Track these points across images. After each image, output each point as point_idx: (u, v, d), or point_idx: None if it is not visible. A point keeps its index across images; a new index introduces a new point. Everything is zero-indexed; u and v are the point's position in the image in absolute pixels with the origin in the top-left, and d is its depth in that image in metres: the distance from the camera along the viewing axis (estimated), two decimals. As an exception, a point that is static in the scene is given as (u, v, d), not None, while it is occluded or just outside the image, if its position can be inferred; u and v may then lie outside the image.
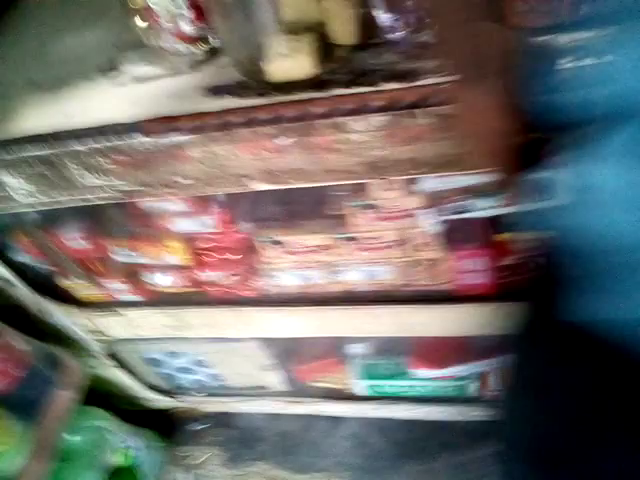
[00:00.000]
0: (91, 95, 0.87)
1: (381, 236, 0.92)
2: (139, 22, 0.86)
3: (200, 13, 0.80)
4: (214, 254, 1.04)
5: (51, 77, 0.93)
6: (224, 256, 1.04)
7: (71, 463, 1.31)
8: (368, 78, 0.72)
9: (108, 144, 0.84)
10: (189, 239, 1.03)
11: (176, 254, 1.04)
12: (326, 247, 0.97)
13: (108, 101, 0.85)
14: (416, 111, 0.71)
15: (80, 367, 1.31)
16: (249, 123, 0.76)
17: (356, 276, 1.02)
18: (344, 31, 0.75)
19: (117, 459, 1.45)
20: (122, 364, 1.47)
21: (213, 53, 0.85)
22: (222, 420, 1.74)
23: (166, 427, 1.75)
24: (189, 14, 0.80)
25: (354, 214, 0.90)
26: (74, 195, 0.92)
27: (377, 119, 0.73)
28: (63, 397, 1.26)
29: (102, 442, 1.40)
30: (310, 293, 1.11)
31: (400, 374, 1.39)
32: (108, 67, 0.91)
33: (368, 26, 0.75)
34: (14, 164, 0.90)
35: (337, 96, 0.73)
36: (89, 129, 0.83)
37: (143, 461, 1.54)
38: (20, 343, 1.16)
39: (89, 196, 0.91)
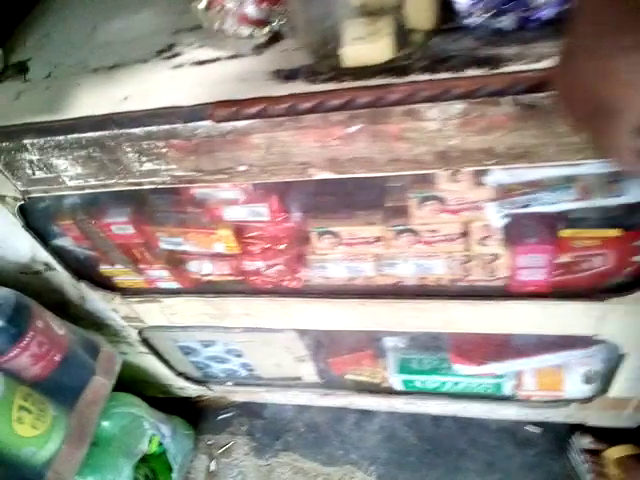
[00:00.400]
0: (149, 78, 0.85)
1: (442, 229, 0.89)
2: (199, 4, 0.83)
3: (269, -7, 0.77)
4: (263, 243, 1.02)
5: (105, 60, 0.91)
6: (272, 246, 1.02)
7: (103, 449, 1.30)
8: (448, 64, 0.69)
9: (167, 128, 0.81)
10: (238, 227, 1.01)
11: (224, 242, 1.02)
12: (382, 239, 0.95)
13: (167, 84, 0.82)
14: (498, 99, 0.68)
15: (117, 354, 1.29)
16: (319, 109, 0.73)
17: (408, 269, 1.00)
18: (420, 15, 0.72)
19: (147, 446, 1.44)
20: (155, 351, 1.46)
21: (275, 36, 0.83)
22: (250, 409, 1.73)
23: (193, 415, 1.74)
24: (257, -5, 0.77)
25: (416, 205, 0.87)
26: (126, 179, 0.89)
27: (455, 107, 0.70)
28: (99, 383, 1.25)
29: (134, 429, 1.39)
30: (356, 285, 1.09)
31: (438, 369, 1.37)
32: (165, 50, 0.88)
33: (444, 10, 0.72)
34: (66, 146, 0.88)
35: (414, 82, 0.70)
36: (148, 112, 0.80)
37: (171, 448, 1.54)
38: (59, 327, 1.14)
39: (142, 181, 0.89)
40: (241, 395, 1.66)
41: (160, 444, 1.50)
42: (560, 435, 1.48)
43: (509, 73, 0.67)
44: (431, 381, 1.40)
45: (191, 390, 1.64)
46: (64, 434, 1.14)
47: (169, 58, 0.87)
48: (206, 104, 0.77)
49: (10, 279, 1.17)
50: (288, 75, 0.75)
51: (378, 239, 0.95)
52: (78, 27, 1.05)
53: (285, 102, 0.74)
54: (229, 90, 0.77)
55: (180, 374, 1.58)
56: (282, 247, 1.02)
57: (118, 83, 0.86)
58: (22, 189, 0.97)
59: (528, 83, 0.66)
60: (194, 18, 0.89)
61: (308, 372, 1.48)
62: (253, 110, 0.75)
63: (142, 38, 0.94)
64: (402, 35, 0.71)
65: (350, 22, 0.71)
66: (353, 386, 1.52)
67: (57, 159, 0.91)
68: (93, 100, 0.85)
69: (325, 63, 0.74)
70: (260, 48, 0.82)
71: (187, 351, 1.48)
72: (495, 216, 0.85)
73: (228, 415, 1.74)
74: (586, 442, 1.37)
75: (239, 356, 1.47)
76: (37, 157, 0.91)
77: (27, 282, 1.19)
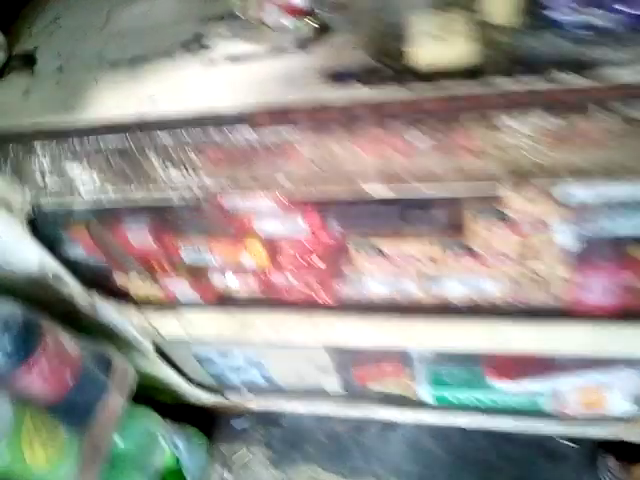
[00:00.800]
0: (176, 75, 0.74)
1: (504, 249, 0.80)
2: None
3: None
4: (298, 258, 0.92)
5: (124, 51, 0.80)
6: (309, 261, 0.93)
7: (120, 470, 1.22)
8: (536, 67, 0.59)
9: (200, 134, 0.71)
10: (272, 241, 0.91)
11: (254, 256, 0.92)
12: (433, 257, 0.85)
13: (199, 82, 0.72)
14: (596, 110, 0.58)
15: (131, 369, 1.20)
16: (382, 118, 0.63)
17: (458, 289, 0.91)
18: (503, 8, 0.61)
19: (164, 461, 1.36)
20: (171, 361, 1.37)
21: (322, 28, 0.72)
22: (267, 417, 1.65)
23: (206, 421, 1.66)
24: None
25: (477, 223, 0.77)
26: (153, 192, 0.79)
27: (543, 117, 0.60)
28: (113, 401, 1.16)
29: (150, 445, 1.31)
30: (396, 302, 1.00)
31: (473, 383, 1.28)
32: (192, 41, 0.77)
33: (530, 3, 0.61)
34: (82, 151, 0.78)
35: (495, 88, 0.59)
36: (177, 116, 0.70)
37: (186, 461, 1.46)
38: (70, 344, 1.05)
39: (170, 194, 0.79)
40: (258, 403, 1.58)
41: (176, 458, 1.42)
42: (594, 450, 1.41)
43: (611, 81, 0.56)
44: (464, 396, 1.31)
45: (205, 398, 1.56)
46: (77, 459, 1.06)
47: (198, 51, 0.77)
48: (247, 109, 0.66)
49: (18, 289, 1.08)
50: (342, 76, 0.65)
51: (430, 257, 0.85)
52: (90, 12, 0.93)
53: (340, 110, 0.63)
54: (273, 92, 0.67)
55: (194, 383, 1.49)
56: (319, 262, 0.92)
57: (141, 80, 0.76)
58: (31, 197, 0.87)
59: (636, 94, 0.55)
60: (223, 3, 0.79)
61: (331, 383, 1.40)
62: (303, 118, 0.64)
63: (164, 26, 0.84)
64: (481, 32, 0.61)
65: (419, 15, 0.61)
66: (378, 397, 1.44)
67: (71, 165, 0.80)
68: (113, 99, 0.75)
69: (387, 63, 0.64)
70: (305, 42, 0.71)
71: (206, 362, 1.39)
72: (568, 237, 0.76)
73: (244, 423, 1.66)
74: (612, 461, 1.31)
75: (259, 367, 1.39)
76: (49, 162, 0.81)
77: (36, 292, 1.09)
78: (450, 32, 0.59)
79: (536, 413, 1.31)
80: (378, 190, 0.71)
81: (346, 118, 0.64)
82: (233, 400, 1.55)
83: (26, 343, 0.96)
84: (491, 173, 0.67)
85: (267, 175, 0.73)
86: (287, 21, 0.71)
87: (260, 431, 1.64)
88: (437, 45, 0.59)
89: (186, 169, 0.75)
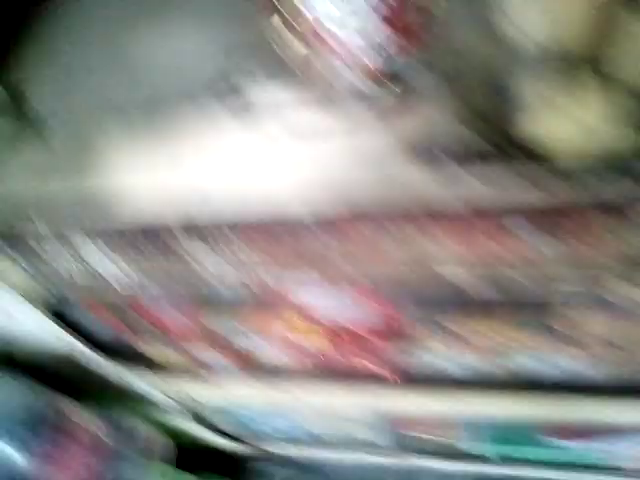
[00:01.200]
0: (213, 137, 0.60)
1: (600, 334, 0.68)
2: (294, 42, 0.58)
3: (401, 31, 0.53)
4: (350, 335, 0.80)
5: (140, 100, 0.65)
6: (362, 338, 0.81)
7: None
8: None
9: (254, 225, 0.58)
10: (319, 315, 0.79)
11: (297, 331, 0.81)
12: (509, 337, 0.73)
13: (243, 152, 0.58)
14: None
15: (163, 439, 1.09)
16: (482, 209, 0.50)
17: (534, 365, 0.79)
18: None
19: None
20: (200, 419, 1.26)
21: (407, 94, 0.58)
22: (300, 467, 1.53)
23: (233, 469, 1.55)
24: (384, 34, 0.53)
25: (570, 307, 0.65)
26: (189, 282, 0.67)
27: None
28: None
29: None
30: (461, 377, 0.88)
31: (529, 440, 1.17)
32: (225, 89, 0.63)
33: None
34: (105, 240, 0.65)
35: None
36: (225, 202, 0.57)
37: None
38: (96, 428, 0.94)
39: (213, 284, 0.66)
40: (290, 451, 1.47)
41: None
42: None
43: None
44: (520, 450, 1.20)
45: (235, 448, 1.45)
46: None
47: (233, 105, 0.62)
48: (312, 200, 0.54)
49: (35, 361, 0.96)
50: (434, 155, 0.52)
51: (506, 337, 0.74)
52: (98, 45, 0.76)
53: (430, 197, 0.51)
54: (346, 178, 0.54)
55: (220, 433, 1.38)
56: (374, 339, 0.81)
57: (168, 142, 0.61)
58: (50, 283, 0.75)
59: None
60: (263, 40, 0.63)
61: (371, 431, 1.29)
62: (379, 212, 0.52)
63: (187, 67, 0.67)
64: (626, 104, 0.47)
65: (537, 77, 0.48)
66: (423, 447, 1.33)
67: (90, 251, 0.68)
68: (138, 171, 0.61)
69: (493, 139, 0.50)
70: (385, 111, 0.57)
71: (237, 417, 1.28)
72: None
73: (274, 471, 1.55)
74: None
75: (294, 422, 1.28)
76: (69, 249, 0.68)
77: (58, 368, 0.98)
78: (581, 103, 0.46)
79: (599, 468, 1.21)
80: (459, 276, 0.59)
81: (437, 207, 0.52)
82: (263, 448, 1.44)
83: (44, 436, 0.85)
84: (604, 263, 0.55)
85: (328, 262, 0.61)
86: (364, 86, 0.57)
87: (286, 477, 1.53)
88: (562, 119, 0.46)
89: (230, 260, 0.63)
